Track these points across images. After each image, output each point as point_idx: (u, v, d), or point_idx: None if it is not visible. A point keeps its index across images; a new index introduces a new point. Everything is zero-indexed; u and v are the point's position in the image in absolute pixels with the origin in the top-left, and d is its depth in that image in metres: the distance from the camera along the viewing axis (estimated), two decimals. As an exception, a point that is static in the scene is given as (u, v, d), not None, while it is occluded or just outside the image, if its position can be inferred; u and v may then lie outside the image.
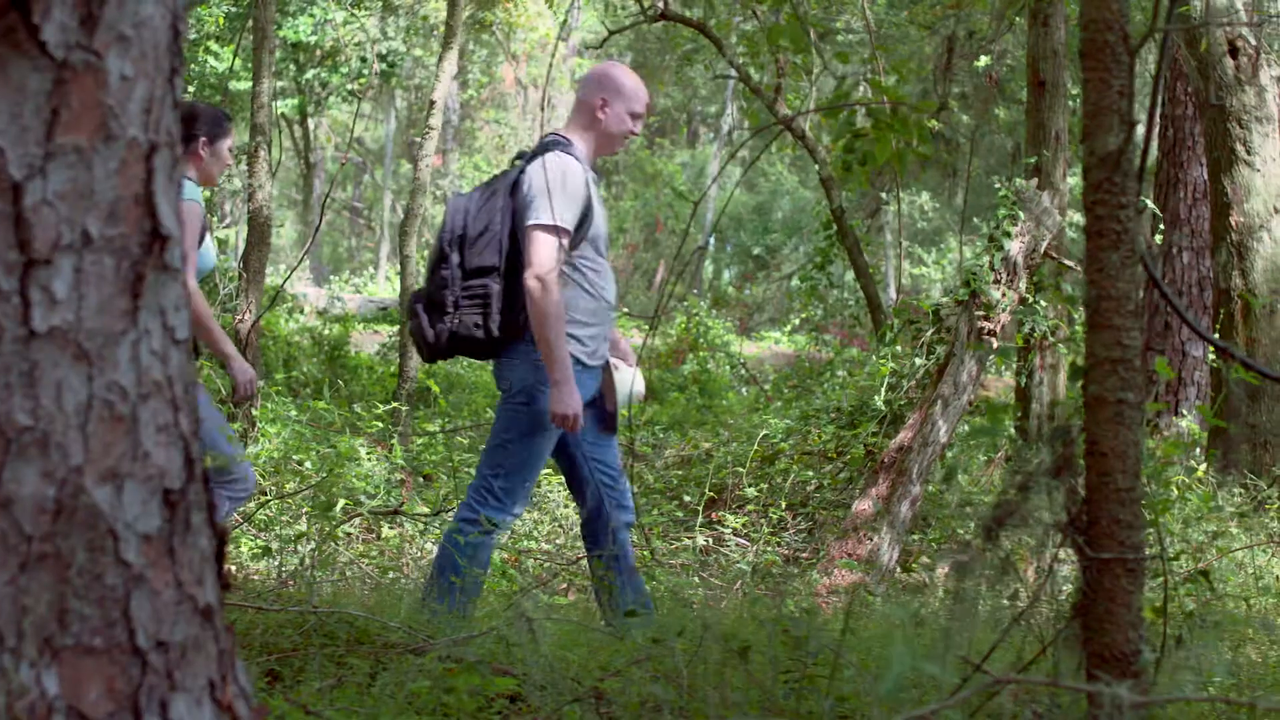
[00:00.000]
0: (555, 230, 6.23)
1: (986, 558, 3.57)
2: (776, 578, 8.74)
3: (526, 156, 6.55)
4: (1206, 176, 12.01)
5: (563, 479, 7.40)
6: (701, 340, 19.23)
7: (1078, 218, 22.12)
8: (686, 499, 10.66)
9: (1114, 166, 3.49)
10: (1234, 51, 11.37)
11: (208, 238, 7.11)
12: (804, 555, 9.55)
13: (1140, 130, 9.85)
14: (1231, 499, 10.05)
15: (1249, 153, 11.23)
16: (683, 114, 40.15)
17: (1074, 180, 20.69)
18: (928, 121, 17.36)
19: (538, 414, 6.35)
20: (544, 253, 6.20)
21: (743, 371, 18.35)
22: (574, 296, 6.41)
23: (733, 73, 12.09)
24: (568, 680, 4.53)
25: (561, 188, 6.26)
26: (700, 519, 10.01)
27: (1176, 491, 9.12)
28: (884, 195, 17.42)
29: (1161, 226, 14.34)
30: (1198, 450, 12.34)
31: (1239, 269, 11.26)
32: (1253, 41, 11.18)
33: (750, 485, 10.66)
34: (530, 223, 6.25)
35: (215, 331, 6.94)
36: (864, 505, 8.89)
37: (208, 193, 12.04)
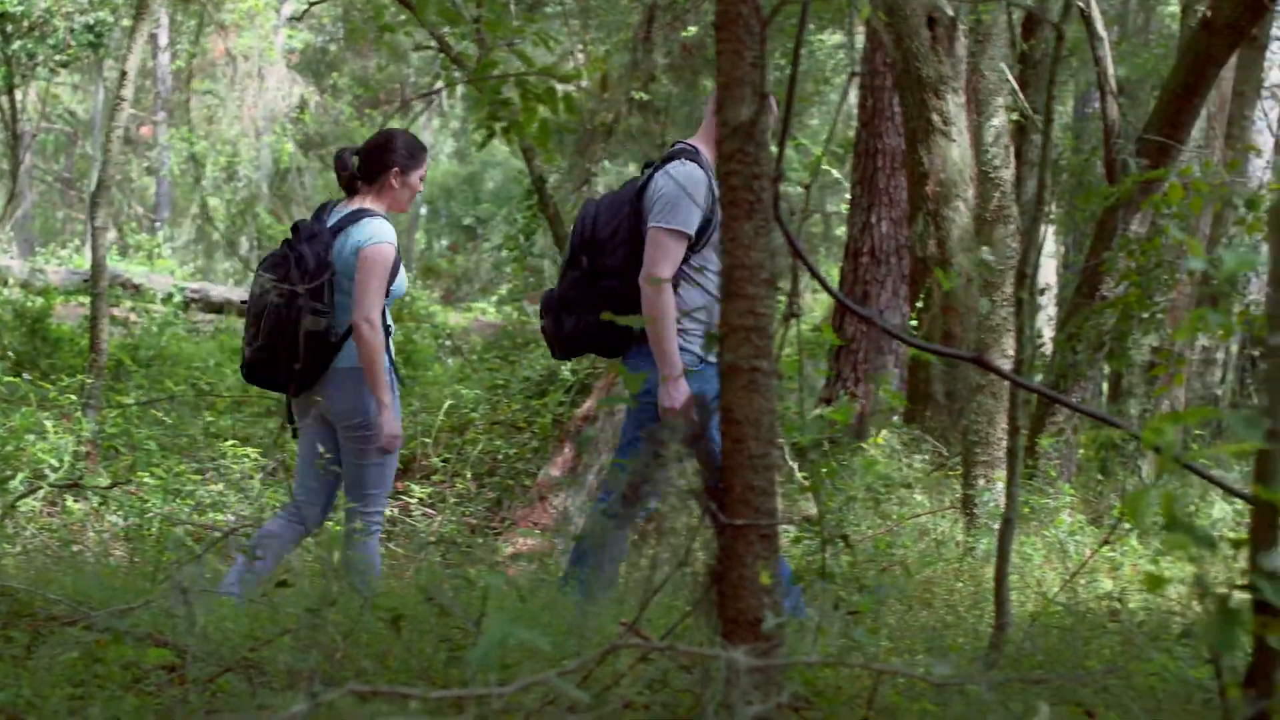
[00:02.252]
0: (674, 234, 6.42)
1: (626, 526, 3.59)
2: (462, 547, 8.74)
3: (655, 164, 6.71)
4: (904, 146, 12.20)
5: (250, 452, 7.28)
6: (406, 311, 19.11)
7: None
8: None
9: (747, 137, 3.53)
10: (931, 22, 11.59)
11: (400, 264, 7.09)
12: (491, 525, 9.56)
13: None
14: (912, 466, 10.28)
15: (945, 123, 11.45)
16: (395, 84, 39.78)
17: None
18: (636, 94, 17.42)
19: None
20: (659, 255, 6.42)
21: (446, 343, 18.28)
22: (694, 296, 6.54)
23: (434, 43, 11.97)
24: (224, 650, 4.48)
25: (686, 195, 6.42)
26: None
27: (862, 460, 9.30)
28: (591, 167, 17.43)
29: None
30: (895, 418, 12.61)
31: (935, 238, 11.49)
32: (949, 12, 11.40)
33: (439, 456, 10.64)
34: (652, 225, 6.47)
35: (379, 378, 6.79)
36: (550, 473, 8.91)
37: None
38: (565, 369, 10.71)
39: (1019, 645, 5.09)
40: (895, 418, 12.67)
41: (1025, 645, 5.13)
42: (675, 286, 6.47)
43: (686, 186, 6.45)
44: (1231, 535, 3.00)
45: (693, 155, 6.67)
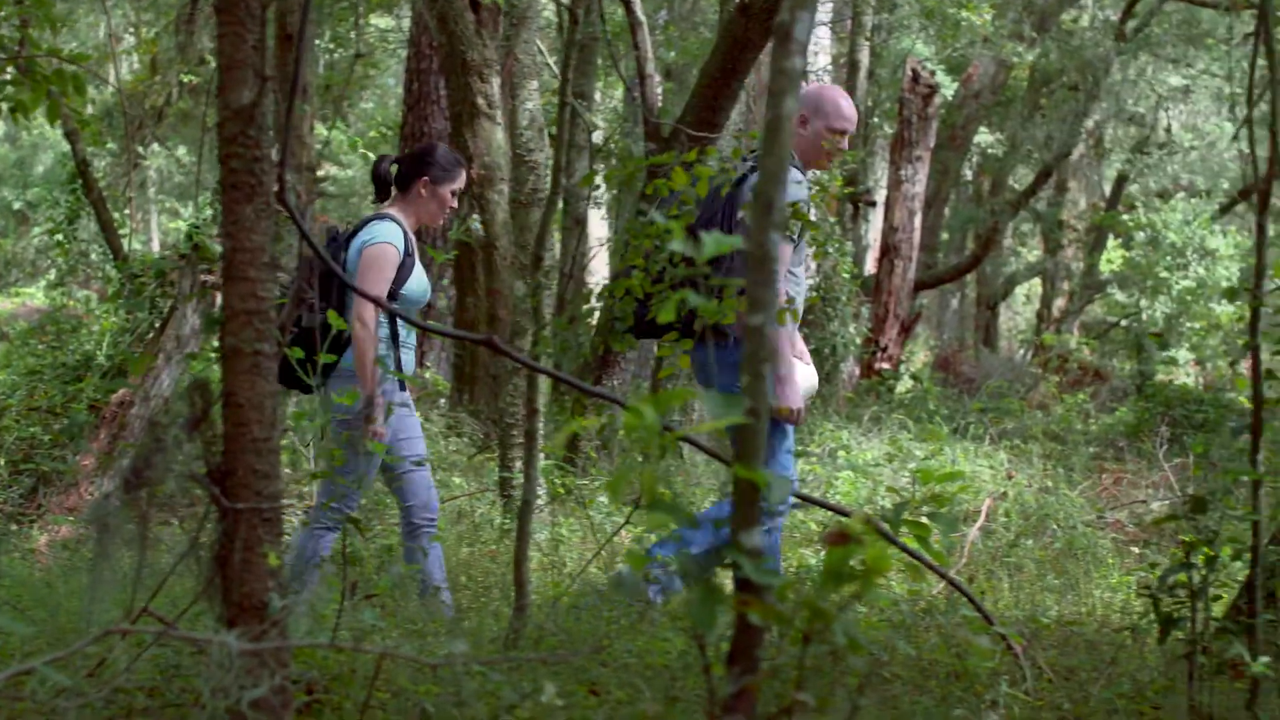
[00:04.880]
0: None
1: (127, 511, 3.53)
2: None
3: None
4: (450, 129, 12.23)
5: None
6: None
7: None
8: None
9: (248, 120, 3.51)
10: (475, 6, 11.67)
11: (416, 270, 6.89)
12: (25, 512, 9.27)
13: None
14: (455, 449, 10.36)
15: (490, 106, 11.55)
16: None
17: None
18: (185, 76, 17.07)
19: None
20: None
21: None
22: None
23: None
24: None
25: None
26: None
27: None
28: (141, 149, 17.07)
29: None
30: (443, 401, 12.67)
31: (480, 220, 11.58)
32: (498, -2, 11.48)
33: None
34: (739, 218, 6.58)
35: (366, 376, 6.62)
36: (85, 459, 8.69)
37: None
38: (101, 354, 10.43)
39: (540, 625, 5.17)
40: (442, 401, 12.75)
41: (547, 625, 5.21)
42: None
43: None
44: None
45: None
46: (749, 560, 2.86)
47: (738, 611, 2.88)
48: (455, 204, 7.19)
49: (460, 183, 7.16)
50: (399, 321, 6.83)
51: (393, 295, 6.82)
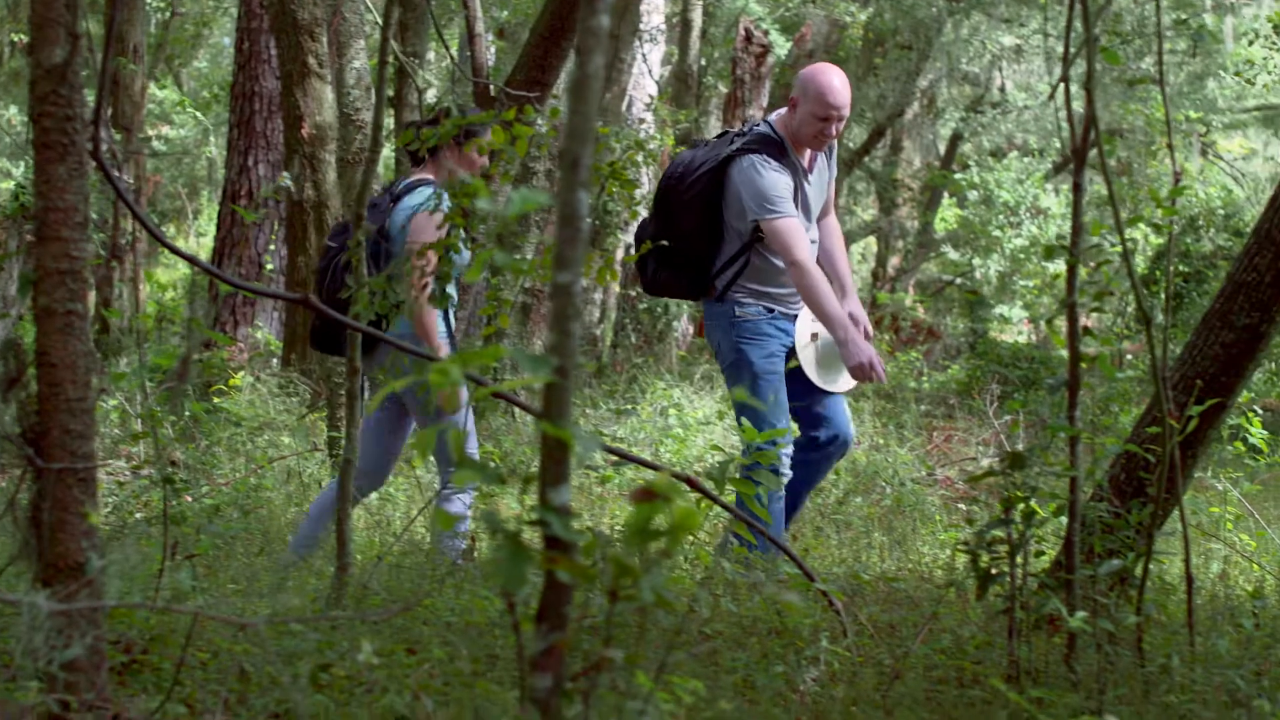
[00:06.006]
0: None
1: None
2: None
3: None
4: (280, 89, 12.15)
5: None
6: None
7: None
8: None
9: (60, 79, 3.49)
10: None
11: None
12: None
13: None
14: (285, 410, 10.32)
15: (320, 65, 11.48)
16: None
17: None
18: (15, 35, 16.68)
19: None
20: (790, 242, 6.97)
21: None
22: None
23: None
24: None
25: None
26: None
27: (194, 406, 9.22)
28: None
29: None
30: (274, 361, 12.62)
31: (311, 180, 11.52)
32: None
33: None
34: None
35: (432, 335, 6.80)
36: None
37: None
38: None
39: (363, 585, 5.20)
40: (273, 361, 12.69)
41: (370, 585, 5.24)
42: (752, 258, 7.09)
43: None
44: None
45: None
46: (556, 517, 2.89)
47: (545, 569, 2.91)
48: (485, 163, 7.29)
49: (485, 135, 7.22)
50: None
51: None
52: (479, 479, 2.91)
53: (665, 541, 2.99)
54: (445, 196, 6.96)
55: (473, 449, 6.96)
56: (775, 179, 6.96)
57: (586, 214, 2.91)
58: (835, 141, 7.20)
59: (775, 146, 7.07)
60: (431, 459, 7.36)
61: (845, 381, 7.18)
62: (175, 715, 3.78)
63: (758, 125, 7.22)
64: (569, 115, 2.89)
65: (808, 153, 7.19)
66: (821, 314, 6.91)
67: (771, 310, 7.15)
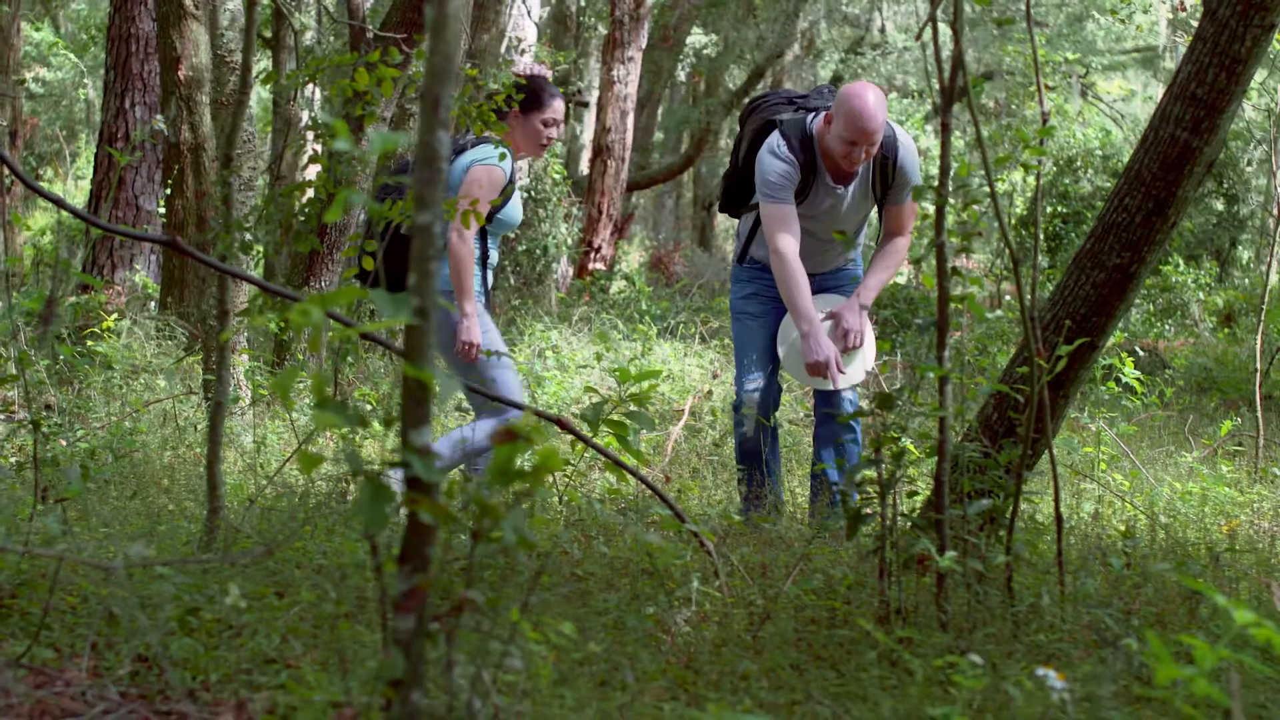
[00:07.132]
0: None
1: None
2: None
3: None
4: (157, 30, 11.98)
5: None
6: None
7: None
8: None
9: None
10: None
11: (515, 195, 7.22)
12: None
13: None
14: (161, 353, 10.24)
15: (196, 6, 11.34)
16: None
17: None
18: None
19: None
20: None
21: None
22: None
23: None
24: None
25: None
26: None
27: (64, 350, 9.11)
28: None
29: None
30: (152, 304, 12.49)
31: (188, 122, 11.40)
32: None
33: None
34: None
35: (463, 288, 6.88)
36: None
37: None
38: None
39: (235, 528, 5.17)
40: (151, 304, 12.56)
41: (242, 528, 5.21)
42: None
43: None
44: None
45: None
46: (418, 458, 2.90)
47: (408, 509, 2.91)
48: (553, 134, 7.35)
49: (552, 113, 7.29)
50: (488, 241, 7.16)
51: (490, 216, 7.06)
52: (340, 423, 2.91)
53: (528, 481, 3.00)
54: (510, 156, 7.06)
55: (506, 381, 7.06)
56: (775, 165, 7.03)
57: (448, 154, 2.91)
58: (906, 167, 7.17)
59: (803, 139, 7.09)
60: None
61: (823, 381, 7.11)
62: (42, 659, 3.77)
63: (827, 100, 7.27)
64: (428, 54, 2.88)
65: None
66: (790, 305, 7.00)
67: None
